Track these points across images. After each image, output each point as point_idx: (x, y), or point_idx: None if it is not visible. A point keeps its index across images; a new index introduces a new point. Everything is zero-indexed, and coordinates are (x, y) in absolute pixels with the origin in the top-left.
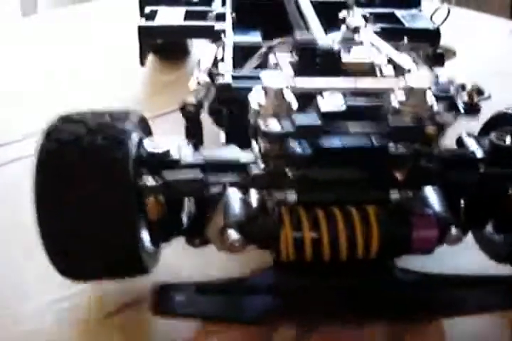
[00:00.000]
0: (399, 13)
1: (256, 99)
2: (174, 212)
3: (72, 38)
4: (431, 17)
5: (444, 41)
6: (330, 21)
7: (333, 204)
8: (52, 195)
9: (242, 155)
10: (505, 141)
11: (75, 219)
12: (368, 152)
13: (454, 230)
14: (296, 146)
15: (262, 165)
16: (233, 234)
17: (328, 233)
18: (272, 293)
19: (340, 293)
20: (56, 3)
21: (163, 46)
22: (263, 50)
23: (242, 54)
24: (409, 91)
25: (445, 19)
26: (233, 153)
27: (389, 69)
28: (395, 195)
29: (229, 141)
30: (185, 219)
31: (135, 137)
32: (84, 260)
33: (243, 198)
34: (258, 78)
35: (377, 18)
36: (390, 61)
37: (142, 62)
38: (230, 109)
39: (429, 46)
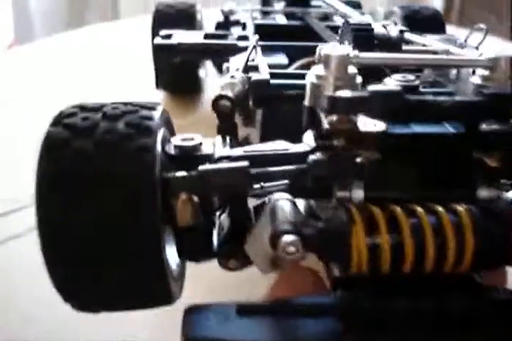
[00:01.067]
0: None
1: (313, 74)
2: (206, 220)
3: (73, 69)
4: (465, 40)
5: None
6: None
7: (407, 202)
8: (57, 196)
9: (295, 146)
10: None
11: (84, 227)
12: (452, 136)
13: None
14: (367, 122)
15: (319, 153)
16: (289, 237)
17: (412, 237)
18: (335, 315)
19: (421, 317)
20: (53, 29)
21: (176, 79)
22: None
23: None
24: (494, 61)
25: (482, 41)
26: (282, 145)
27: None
28: (483, 192)
29: None
30: (215, 238)
31: (161, 129)
32: (95, 281)
33: (293, 201)
34: (299, 76)
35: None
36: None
37: (157, 84)
38: (267, 108)
39: None
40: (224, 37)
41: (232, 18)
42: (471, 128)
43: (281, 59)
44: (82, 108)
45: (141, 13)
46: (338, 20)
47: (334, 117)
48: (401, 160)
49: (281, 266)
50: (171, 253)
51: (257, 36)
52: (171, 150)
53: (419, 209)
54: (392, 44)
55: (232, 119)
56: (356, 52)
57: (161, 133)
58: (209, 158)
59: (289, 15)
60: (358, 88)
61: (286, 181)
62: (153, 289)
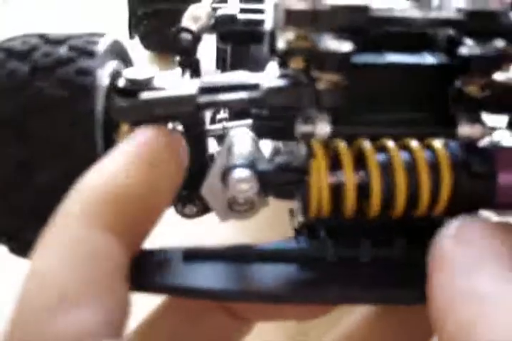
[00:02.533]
0: None
1: None
2: None
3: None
4: None
5: None
6: None
7: (379, 136)
8: None
9: (254, 76)
10: None
11: (15, 159)
12: (432, 64)
13: None
14: (330, 40)
15: (276, 80)
16: (241, 172)
17: (381, 176)
18: (294, 262)
19: (388, 266)
20: None
21: (161, 39)
22: None
23: None
24: None
25: None
26: (243, 75)
27: None
28: (465, 129)
29: None
30: None
31: (109, 57)
32: (34, 216)
33: (253, 137)
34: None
35: None
36: None
37: (131, 35)
38: (233, 45)
39: None
40: None
41: None
42: (448, 52)
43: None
44: (27, 35)
45: None
46: None
47: (291, 35)
48: (372, 92)
49: (239, 212)
50: None
51: None
52: (121, 84)
53: (390, 144)
54: None
55: (193, 54)
56: None
57: (109, 63)
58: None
59: None
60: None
61: (249, 121)
62: None
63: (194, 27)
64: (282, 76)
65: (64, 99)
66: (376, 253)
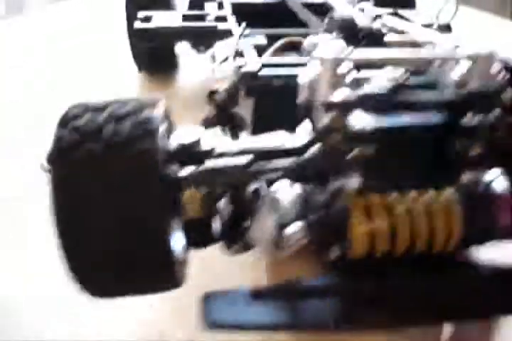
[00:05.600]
0: (401, 12)
1: (307, 73)
2: (208, 210)
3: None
4: (437, 14)
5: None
6: None
7: (400, 189)
8: (72, 195)
9: (292, 138)
10: None
11: (97, 222)
12: (438, 128)
13: None
14: (360, 119)
15: (317, 148)
16: (294, 228)
17: (407, 222)
18: (337, 296)
19: (415, 293)
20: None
21: (152, 59)
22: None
23: None
24: (473, 58)
25: (454, 14)
26: (281, 136)
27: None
28: (467, 176)
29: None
30: (217, 223)
31: (163, 126)
32: (109, 270)
33: (293, 192)
34: (287, 65)
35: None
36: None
37: (140, 68)
38: (257, 99)
39: None
40: (202, 18)
41: None
42: (453, 122)
43: (261, 40)
44: (86, 108)
45: None
46: None
47: (329, 116)
48: (393, 151)
49: (282, 250)
50: (177, 241)
51: (243, 24)
52: (172, 147)
53: (412, 195)
54: (376, 38)
55: (229, 109)
56: (348, 50)
57: (163, 130)
58: (209, 154)
59: None
60: (351, 84)
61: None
62: (161, 275)
63: (225, 86)
64: (319, 140)
65: (134, 171)
66: (401, 284)
